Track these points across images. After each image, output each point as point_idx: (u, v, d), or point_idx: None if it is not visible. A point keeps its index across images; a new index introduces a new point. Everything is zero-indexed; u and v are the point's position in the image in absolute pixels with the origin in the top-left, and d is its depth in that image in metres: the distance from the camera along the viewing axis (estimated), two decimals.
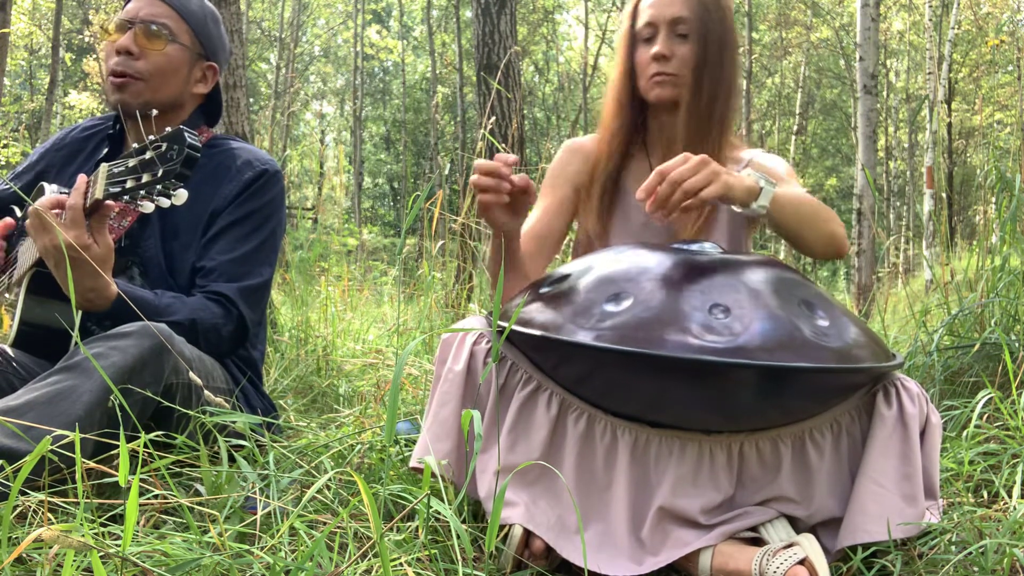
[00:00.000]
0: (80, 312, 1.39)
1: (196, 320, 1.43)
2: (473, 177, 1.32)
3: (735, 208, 1.30)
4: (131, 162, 1.24)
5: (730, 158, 1.52)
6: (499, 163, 1.30)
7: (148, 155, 1.22)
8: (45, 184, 1.47)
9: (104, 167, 1.26)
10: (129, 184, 1.23)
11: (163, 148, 1.21)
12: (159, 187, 1.21)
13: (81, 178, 1.30)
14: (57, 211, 1.28)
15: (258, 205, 1.56)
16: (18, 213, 1.58)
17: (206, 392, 1.23)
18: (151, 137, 1.24)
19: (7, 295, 1.51)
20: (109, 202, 1.26)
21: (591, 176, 1.58)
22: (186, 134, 1.19)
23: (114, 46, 1.53)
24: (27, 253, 1.43)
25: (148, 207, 1.22)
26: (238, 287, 1.50)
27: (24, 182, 1.65)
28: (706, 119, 1.46)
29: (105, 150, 1.60)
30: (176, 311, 1.41)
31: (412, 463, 1.26)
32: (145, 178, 1.22)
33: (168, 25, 1.56)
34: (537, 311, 1.20)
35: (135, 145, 1.26)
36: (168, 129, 1.22)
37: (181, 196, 1.22)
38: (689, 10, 1.45)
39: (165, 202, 1.22)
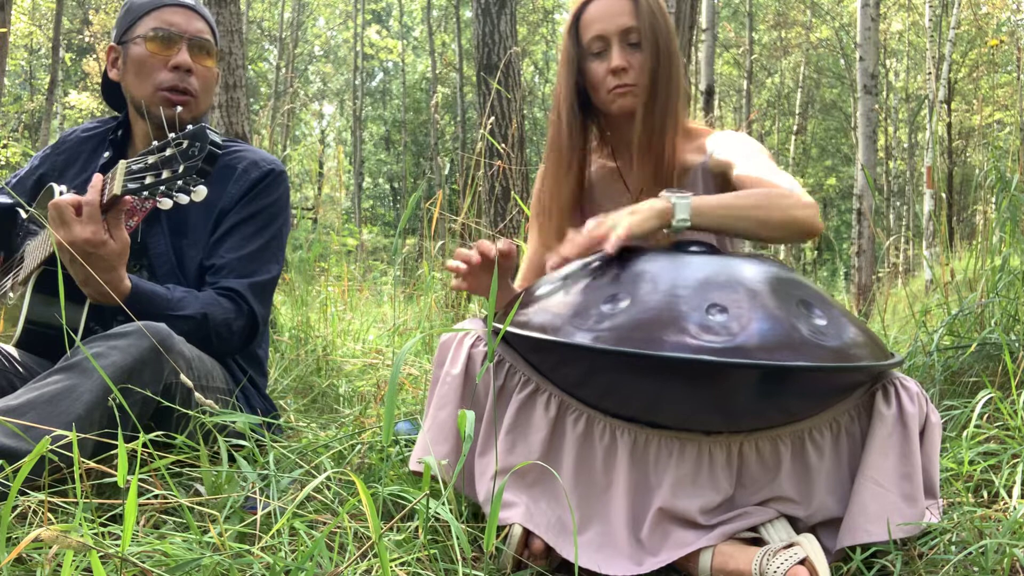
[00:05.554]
0: (85, 312, 1.39)
1: (208, 314, 1.44)
2: (454, 283, 1.44)
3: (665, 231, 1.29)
4: (150, 159, 1.25)
5: (693, 148, 1.50)
6: (474, 252, 1.40)
7: (168, 152, 1.23)
8: (54, 185, 1.49)
9: (122, 164, 1.27)
10: (148, 180, 1.23)
11: (184, 145, 1.22)
12: (180, 183, 1.21)
13: (97, 176, 1.30)
14: (75, 207, 1.28)
15: (265, 204, 1.58)
16: (23, 215, 1.58)
17: (196, 394, 1.23)
18: (171, 135, 1.24)
19: (10, 294, 1.51)
20: (127, 197, 1.27)
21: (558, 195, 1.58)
22: (208, 131, 1.20)
23: (167, 61, 1.52)
24: (35, 252, 1.43)
25: (167, 203, 1.23)
26: (248, 283, 1.52)
27: (27, 185, 1.66)
28: (660, 126, 1.45)
29: (107, 153, 1.61)
30: (188, 305, 1.43)
31: (411, 465, 1.26)
32: (165, 174, 1.22)
33: (211, 40, 1.58)
34: (535, 313, 1.20)
35: (154, 143, 1.27)
36: (189, 127, 1.22)
37: (201, 192, 1.23)
38: (637, 19, 1.44)
39: (184, 198, 1.22)
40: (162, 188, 1.22)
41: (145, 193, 1.23)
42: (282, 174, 1.62)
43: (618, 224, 1.21)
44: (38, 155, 1.71)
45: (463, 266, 1.41)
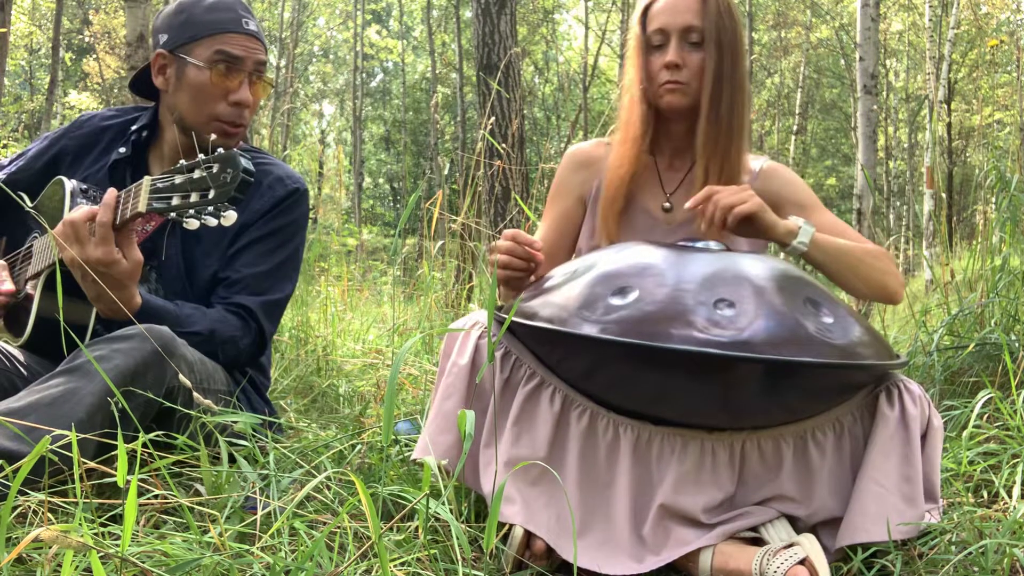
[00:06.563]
0: (94, 312, 1.39)
1: (215, 331, 1.44)
2: (503, 258, 1.32)
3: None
4: (178, 179, 1.23)
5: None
6: (528, 245, 1.33)
7: (197, 174, 1.22)
8: (64, 179, 1.46)
9: (147, 181, 1.26)
10: (176, 201, 1.23)
11: (215, 169, 1.21)
12: (210, 208, 1.21)
13: (111, 193, 1.29)
14: (87, 223, 1.27)
15: (286, 222, 1.58)
16: (28, 202, 1.56)
17: (195, 394, 1.23)
18: (201, 156, 1.23)
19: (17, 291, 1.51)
20: (138, 220, 1.27)
21: (601, 182, 1.56)
22: (240, 158, 1.19)
23: (227, 93, 1.49)
24: (43, 252, 1.42)
25: (194, 224, 1.22)
26: (261, 301, 1.51)
27: (36, 168, 1.62)
28: (726, 131, 1.45)
29: (122, 149, 1.57)
30: (196, 322, 1.43)
31: (415, 455, 1.26)
32: (194, 197, 1.21)
33: (266, 67, 1.55)
34: (542, 305, 1.20)
35: (182, 162, 1.25)
36: (220, 151, 1.21)
37: (231, 217, 1.22)
38: (702, 19, 1.43)
39: (213, 221, 1.22)
40: (191, 211, 1.21)
41: (172, 214, 1.22)
42: (305, 193, 1.62)
43: (748, 202, 1.29)
44: (47, 136, 1.66)
45: (519, 263, 1.34)
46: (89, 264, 1.25)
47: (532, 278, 1.38)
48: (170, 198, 1.23)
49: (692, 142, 1.49)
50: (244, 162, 1.19)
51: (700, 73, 1.44)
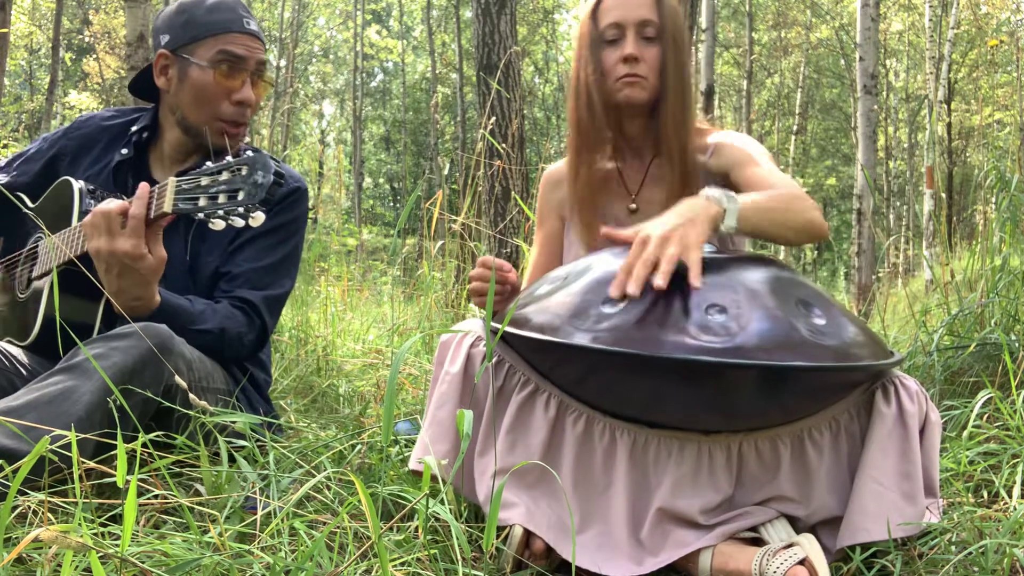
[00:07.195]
0: (101, 311, 1.39)
1: (224, 329, 1.46)
2: (476, 286, 1.44)
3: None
4: (204, 180, 1.24)
5: (696, 147, 1.49)
6: (498, 270, 1.40)
7: (224, 176, 1.22)
8: (71, 180, 1.46)
9: (172, 181, 1.26)
10: (202, 202, 1.23)
11: (244, 172, 1.21)
12: (241, 209, 1.21)
13: (144, 187, 1.29)
14: (120, 216, 1.28)
15: (287, 220, 1.59)
16: (28, 202, 1.56)
17: (191, 395, 1.24)
18: (228, 159, 1.23)
19: (20, 288, 1.51)
20: (167, 218, 1.27)
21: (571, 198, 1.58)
22: (270, 160, 1.20)
23: (231, 92, 1.50)
24: (52, 251, 1.42)
25: (220, 225, 1.23)
26: (263, 295, 1.52)
27: (36, 169, 1.63)
28: (682, 122, 1.46)
29: (124, 150, 1.58)
30: (208, 319, 1.44)
31: (411, 465, 1.26)
32: (222, 199, 1.21)
33: (266, 66, 1.56)
34: (534, 313, 1.20)
35: (208, 163, 1.26)
36: (249, 153, 1.22)
37: (259, 218, 1.22)
38: (656, 14, 1.45)
39: (240, 222, 1.22)
40: (220, 212, 1.21)
41: (200, 215, 1.23)
42: (305, 192, 1.63)
43: (688, 247, 1.13)
44: (46, 137, 1.68)
45: (485, 284, 1.42)
46: (116, 256, 1.26)
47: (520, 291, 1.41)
48: (196, 199, 1.23)
49: (648, 138, 1.50)
50: (275, 165, 1.20)
51: (656, 67, 1.45)
